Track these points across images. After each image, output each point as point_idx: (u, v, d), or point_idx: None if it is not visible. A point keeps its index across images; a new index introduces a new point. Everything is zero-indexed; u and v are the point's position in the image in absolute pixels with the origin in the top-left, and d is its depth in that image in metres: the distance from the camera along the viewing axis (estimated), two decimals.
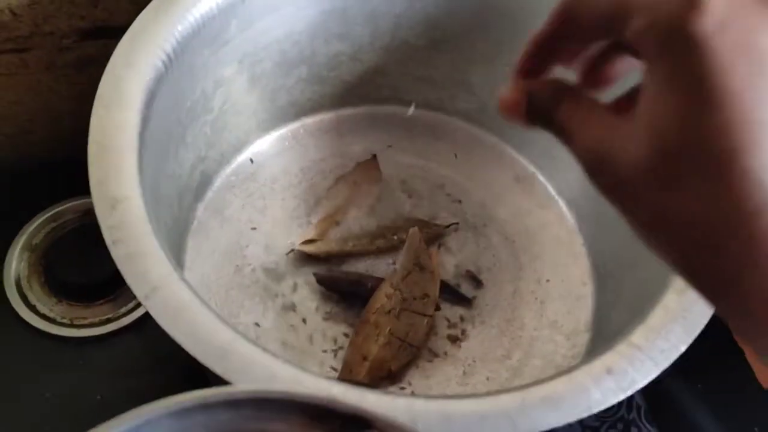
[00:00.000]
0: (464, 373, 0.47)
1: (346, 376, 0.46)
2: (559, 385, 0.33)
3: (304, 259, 0.51)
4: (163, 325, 0.33)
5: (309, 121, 0.57)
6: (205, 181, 0.52)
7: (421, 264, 0.49)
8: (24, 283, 0.52)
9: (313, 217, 0.53)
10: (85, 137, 0.38)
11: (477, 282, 0.52)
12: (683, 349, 0.35)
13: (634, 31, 0.20)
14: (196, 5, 0.42)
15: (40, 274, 0.52)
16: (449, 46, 0.54)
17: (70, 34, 0.52)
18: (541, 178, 0.56)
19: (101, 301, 0.51)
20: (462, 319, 0.50)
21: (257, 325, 0.48)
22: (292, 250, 0.51)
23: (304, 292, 0.50)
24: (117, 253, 0.34)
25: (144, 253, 0.34)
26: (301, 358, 0.47)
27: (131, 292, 0.33)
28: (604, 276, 0.51)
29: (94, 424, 0.20)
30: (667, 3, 0.19)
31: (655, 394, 0.51)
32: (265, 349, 0.33)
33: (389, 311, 0.47)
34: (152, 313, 0.33)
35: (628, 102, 0.22)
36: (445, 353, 0.48)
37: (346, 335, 0.48)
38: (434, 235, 0.53)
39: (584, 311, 0.51)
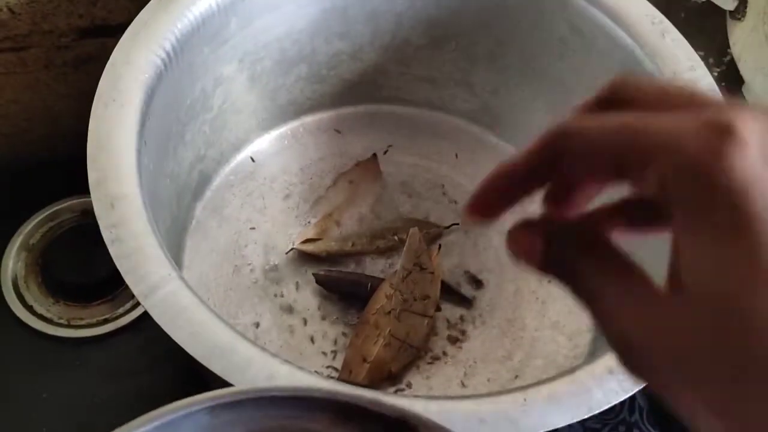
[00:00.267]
0: (465, 374, 0.47)
1: (346, 377, 0.45)
2: (560, 385, 0.33)
3: (304, 258, 0.51)
4: (161, 324, 0.32)
5: (309, 120, 0.56)
6: (204, 180, 0.52)
7: (421, 264, 0.49)
8: (21, 283, 0.51)
9: (312, 216, 0.53)
10: (83, 136, 0.37)
11: (477, 282, 0.51)
12: None
13: (655, 179, 0.16)
14: (195, 3, 0.42)
15: (37, 274, 0.52)
16: (450, 46, 0.54)
17: (69, 33, 0.51)
18: None
19: (99, 302, 0.51)
20: (462, 319, 0.50)
21: (256, 325, 0.48)
22: (292, 249, 0.50)
23: (304, 292, 0.49)
24: (116, 252, 0.34)
25: (143, 252, 0.34)
26: (301, 358, 0.46)
27: (129, 293, 0.33)
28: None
29: (91, 425, 0.20)
30: (693, 138, 0.15)
31: (657, 396, 0.50)
32: (263, 349, 0.33)
33: (389, 312, 0.47)
34: (151, 313, 0.33)
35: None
36: (446, 354, 0.48)
37: (345, 336, 0.48)
38: (435, 235, 0.53)
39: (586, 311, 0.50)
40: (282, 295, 0.49)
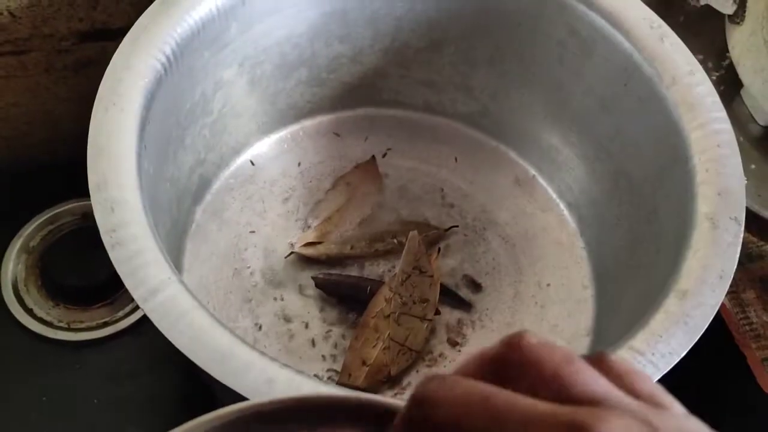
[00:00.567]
0: None
1: (345, 381, 0.45)
2: None
3: (304, 262, 0.51)
4: (161, 328, 0.32)
5: (308, 123, 0.56)
6: (204, 184, 0.52)
7: (420, 268, 0.49)
8: (21, 286, 0.51)
9: (312, 219, 0.53)
10: (83, 139, 0.37)
11: (476, 286, 0.51)
12: (684, 353, 0.35)
13: None
14: (195, 8, 0.42)
15: (37, 277, 0.52)
16: (450, 49, 0.54)
17: (69, 37, 0.51)
18: (542, 181, 0.56)
19: (98, 305, 0.51)
20: (462, 323, 0.50)
21: (255, 328, 0.48)
22: (292, 253, 0.51)
23: (303, 295, 0.50)
24: (116, 257, 0.34)
25: (143, 257, 0.34)
26: (300, 362, 0.47)
27: (129, 296, 0.33)
28: (604, 279, 0.51)
29: (91, 428, 0.20)
30: None
31: None
32: (262, 353, 0.33)
33: (389, 315, 0.47)
34: (150, 317, 0.33)
35: None
36: (445, 357, 0.48)
37: (345, 339, 0.48)
38: (434, 238, 0.53)
39: (585, 315, 0.50)
40: (282, 299, 0.49)
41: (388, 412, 0.21)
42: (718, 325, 0.49)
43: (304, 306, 0.49)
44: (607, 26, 0.45)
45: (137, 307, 0.51)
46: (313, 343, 0.48)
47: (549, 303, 0.51)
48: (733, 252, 0.37)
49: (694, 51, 0.45)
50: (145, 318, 0.37)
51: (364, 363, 0.46)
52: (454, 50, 0.54)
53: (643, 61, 0.44)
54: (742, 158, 0.42)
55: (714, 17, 0.57)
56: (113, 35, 0.52)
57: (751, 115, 0.56)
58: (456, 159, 0.57)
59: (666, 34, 0.44)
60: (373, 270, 0.51)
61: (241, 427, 0.21)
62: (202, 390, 0.41)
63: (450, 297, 0.50)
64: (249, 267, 0.50)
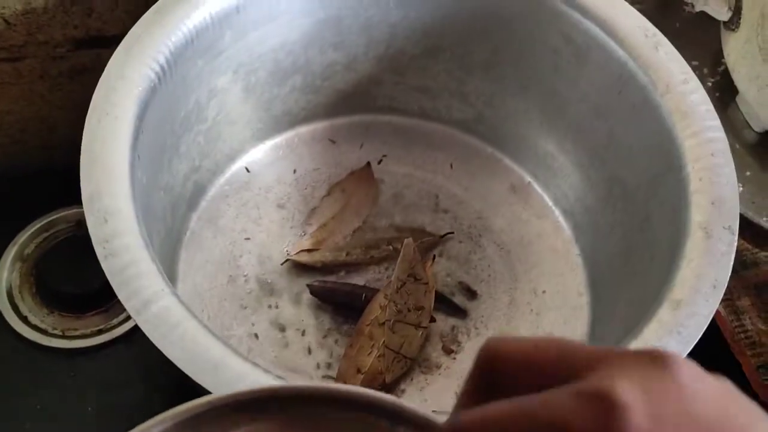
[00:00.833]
0: (459, 385, 0.47)
1: None
2: None
3: (299, 269, 0.51)
4: (153, 340, 0.32)
5: (303, 130, 0.56)
6: (199, 191, 0.52)
7: (415, 275, 0.49)
8: (15, 293, 0.51)
9: (307, 226, 0.53)
10: (78, 146, 0.37)
11: (472, 293, 0.51)
12: None
13: None
14: (190, 16, 0.42)
15: (31, 284, 0.52)
16: (445, 56, 0.54)
17: (64, 44, 0.51)
18: (537, 188, 0.56)
19: (93, 312, 0.51)
20: (457, 330, 0.50)
21: (250, 336, 0.48)
22: (287, 260, 0.51)
23: (298, 303, 0.49)
24: (108, 267, 0.34)
25: (136, 268, 0.34)
26: (295, 370, 0.46)
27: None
28: (600, 287, 0.51)
29: None
30: (578, 419, 0.16)
31: None
32: (255, 364, 0.33)
33: (383, 323, 0.47)
34: (143, 329, 0.33)
35: None
36: (440, 365, 0.48)
37: (340, 347, 0.48)
38: (429, 245, 0.53)
39: (580, 322, 0.50)
40: (277, 306, 0.49)
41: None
42: (713, 333, 0.49)
43: (299, 314, 0.49)
44: (602, 34, 0.45)
45: None
46: (309, 350, 0.48)
47: (544, 310, 0.51)
48: (726, 262, 0.37)
49: (690, 57, 0.45)
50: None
51: (358, 371, 0.46)
52: (449, 57, 0.54)
53: (637, 69, 0.44)
54: (737, 165, 0.42)
55: (710, 24, 0.57)
56: (108, 42, 0.52)
57: (747, 121, 0.56)
58: (451, 165, 0.57)
59: (660, 43, 0.44)
60: (369, 277, 0.51)
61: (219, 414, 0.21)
62: (197, 397, 0.41)
63: (445, 304, 0.50)
64: (244, 274, 0.50)
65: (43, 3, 0.48)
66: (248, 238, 0.52)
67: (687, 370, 0.17)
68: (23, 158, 0.57)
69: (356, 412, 0.23)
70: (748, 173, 0.55)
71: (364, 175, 0.55)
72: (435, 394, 0.47)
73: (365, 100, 0.56)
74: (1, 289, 0.51)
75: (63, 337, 0.50)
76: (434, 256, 0.52)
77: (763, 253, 0.53)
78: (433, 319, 0.49)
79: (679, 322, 0.36)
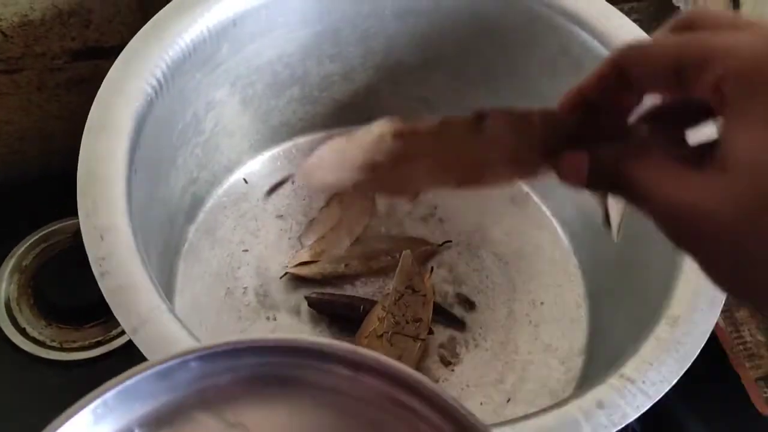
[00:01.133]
0: (458, 397, 0.47)
1: None
2: (549, 418, 0.33)
3: (297, 280, 0.51)
4: (150, 358, 0.32)
5: (301, 140, 0.56)
6: (197, 203, 0.52)
7: (413, 287, 0.49)
8: (14, 305, 0.51)
9: (305, 238, 0.53)
10: (76, 157, 0.37)
11: (470, 304, 0.51)
12: (675, 381, 0.35)
13: (714, 79, 0.19)
14: (187, 30, 0.42)
15: (29, 296, 0.52)
16: (442, 66, 0.54)
17: (62, 55, 0.51)
18: (536, 199, 0.56)
19: (91, 324, 0.51)
20: (455, 341, 0.50)
21: None
22: (286, 273, 0.50)
23: (297, 315, 0.49)
24: (105, 286, 0.34)
25: (132, 286, 0.34)
26: None
27: None
28: (598, 298, 0.51)
29: None
30: (748, 47, 0.19)
31: (650, 419, 0.50)
32: None
33: (381, 335, 0.47)
34: (140, 347, 0.33)
35: (700, 157, 0.21)
36: (439, 378, 0.48)
37: None
38: (428, 254, 0.53)
39: (579, 334, 0.50)
40: (275, 318, 0.49)
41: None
42: (712, 345, 0.49)
43: (296, 325, 0.49)
44: (598, 46, 0.45)
45: None
46: None
47: (543, 322, 0.51)
48: None
49: None
50: None
51: None
52: (446, 68, 0.53)
53: None
54: None
55: None
56: (106, 53, 0.52)
57: None
58: None
59: None
60: (367, 288, 0.51)
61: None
62: None
63: (443, 316, 0.50)
64: (242, 286, 0.50)
65: (40, 15, 0.48)
66: (246, 250, 0.52)
67: None
68: (21, 168, 0.57)
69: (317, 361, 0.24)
70: None
71: None
72: None
73: (363, 110, 0.56)
74: None
75: (61, 349, 0.50)
76: (432, 267, 0.52)
77: None
78: (431, 331, 0.49)
79: (676, 339, 0.36)
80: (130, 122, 0.39)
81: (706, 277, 0.21)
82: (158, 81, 0.41)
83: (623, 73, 0.22)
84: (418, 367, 0.48)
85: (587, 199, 0.54)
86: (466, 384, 0.48)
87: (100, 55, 0.52)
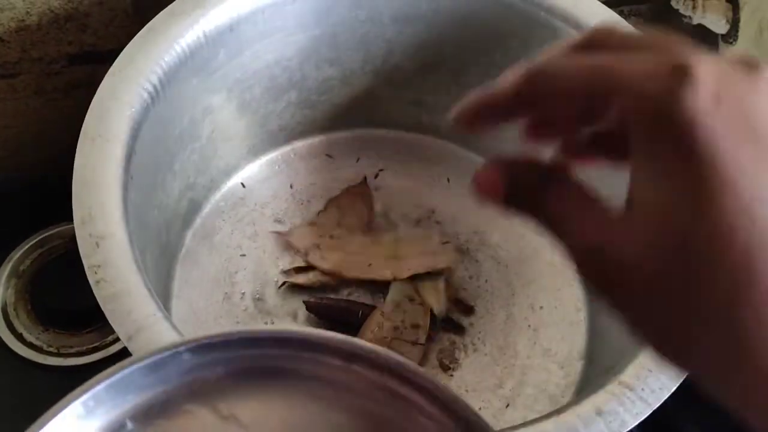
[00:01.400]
0: None
1: None
2: (547, 425, 0.33)
3: (295, 285, 0.51)
4: None
5: (300, 145, 0.56)
6: (194, 208, 0.51)
7: (411, 297, 0.49)
8: (11, 310, 0.51)
9: (297, 239, 0.52)
10: (73, 162, 0.37)
11: (468, 308, 0.51)
12: (674, 388, 0.34)
13: (618, 112, 0.18)
14: (183, 35, 0.42)
15: (26, 301, 0.52)
16: (441, 70, 0.54)
17: (59, 59, 0.51)
18: None
19: (88, 330, 0.51)
20: (454, 346, 0.50)
21: None
22: (285, 283, 0.50)
23: (294, 320, 0.49)
24: (100, 293, 0.34)
25: (127, 293, 0.34)
26: None
27: None
28: (597, 301, 0.51)
29: None
30: (653, 79, 0.17)
31: (650, 425, 0.50)
32: None
33: (380, 340, 0.47)
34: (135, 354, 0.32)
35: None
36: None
37: None
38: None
39: (578, 338, 0.50)
40: (272, 323, 0.49)
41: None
42: None
43: None
44: None
45: None
46: None
47: (542, 326, 0.51)
48: None
49: None
50: None
51: None
52: (444, 72, 0.53)
53: None
54: None
55: (708, 36, 0.56)
56: (103, 58, 0.52)
57: None
58: (448, 180, 0.56)
59: None
60: (366, 292, 0.51)
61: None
62: None
63: (442, 320, 0.50)
64: (239, 291, 0.50)
65: (37, 20, 0.48)
66: (244, 255, 0.51)
67: None
68: (18, 173, 0.57)
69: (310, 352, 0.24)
70: None
71: (359, 190, 0.55)
72: None
73: (362, 114, 0.56)
74: None
75: (58, 354, 0.50)
76: (429, 272, 0.52)
77: None
78: (430, 337, 0.49)
79: None
80: (126, 128, 0.39)
81: (636, 339, 0.20)
82: (154, 86, 0.41)
83: (533, 95, 0.20)
84: None
85: None
86: (465, 389, 0.48)
87: (97, 60, 0.52)
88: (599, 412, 0.33)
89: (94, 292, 0.33)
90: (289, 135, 0.55)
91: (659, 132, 0.17)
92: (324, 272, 0.50)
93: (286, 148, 0.56)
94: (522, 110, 0.21)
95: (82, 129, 0.38)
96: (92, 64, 0.52)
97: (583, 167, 0.22)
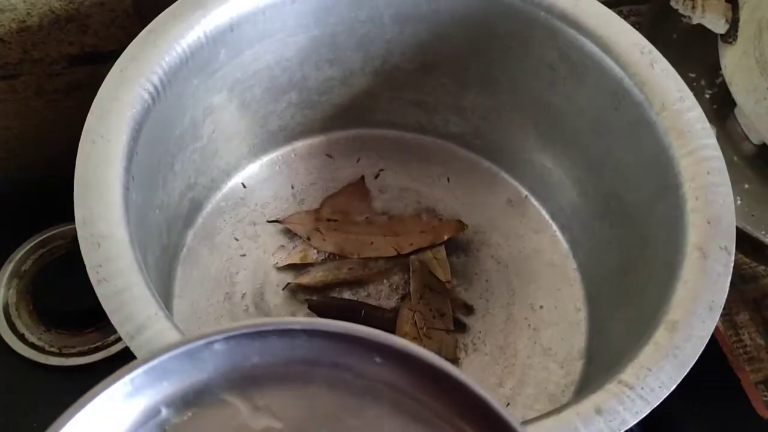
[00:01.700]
0: None
1: None
2: (547, 424, 0.33)
3: (296, 286, 0.51)
4: None
5: (300, 145, 0.56)
6: (195, 208, 0.52)
7: (430, 285, 0.49)
8: (12, 311, 0.51)
9: (301, 243, 0.53)
10: (74, 162, 0.37)
11: (468, 308, 0.51)
12: (673, 387, 0.34)
13: None
14: (184, 36, 0.42)
15: (28, 301, 0.52)
16: (441, 71, 0.54)
17: (60, 60, 0.51)
18: (535, 202, 0.56)
19: (90, 329, 0.51)
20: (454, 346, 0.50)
21: None
22: (288, 284, 0.50)
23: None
24: (102, 292, 0.34)
25: (129, 293, 0.34)
26: None
27: None
28: (597, 302, 0.51)
29: None
30: None
31: (650, 423, 0.50)
32: None
33: (417, 334, 0.47)
34: (137, 354, 0.33)
35: None
36: None
37: None
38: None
39: (578, 337, 0.50)
40: None
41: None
42: (712, 348, 0.49)
43: None
44: (598, 51, 0.45)
45: None
46: None
47: (542, 326, 0.51)
48: (723, 283, 0.37)
49: (687, 69, 0.45)
50: None
51: None
52: (445, 72, 0.53)
53: (633, 87, 0.44)
54: (735, 177, 0.42)
55: (707, 35, 0.56)
56: (104, 59, 0.52)
57: (745, 133, 0.56)
58: (448, 179, 0.57)
59: (656, 60, 0.44)
60: (368, 291, 0.51)
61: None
62: None
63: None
64: (240, 291, 0.50)
65: (37, 21, 0.48)
66: (244, 255, 0.52)
67: None
68: (20, 174, 0.57)
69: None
70: (746, 186, 0.55)
71: (357, 189, 0.55)
72: None
73: (362, 114, 0.56)
74: None
75: (60, 354, 0.50)
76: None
77: (762, 267, 0.52)
78: (455, 323, 0.49)
79: (675, 345, 0.35)
80: (127, 128, 0.39)
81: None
82: (155, 87, 0.41)
83: None
84: (457, 357, 0.49)
85: (586, 203, 0.54)
86: None
87: (98, 60, 0.52)
88: (599, 411, 0.33)
89: (96, 291, 0.34)
90: (289, 135, 0.55)
91: None
92: (329, 273, 0.50)
93: (286, 149, 0.56)
94: None
95: (83, 129, 0.38)
96: (93, 64, 0.52)
97: None
